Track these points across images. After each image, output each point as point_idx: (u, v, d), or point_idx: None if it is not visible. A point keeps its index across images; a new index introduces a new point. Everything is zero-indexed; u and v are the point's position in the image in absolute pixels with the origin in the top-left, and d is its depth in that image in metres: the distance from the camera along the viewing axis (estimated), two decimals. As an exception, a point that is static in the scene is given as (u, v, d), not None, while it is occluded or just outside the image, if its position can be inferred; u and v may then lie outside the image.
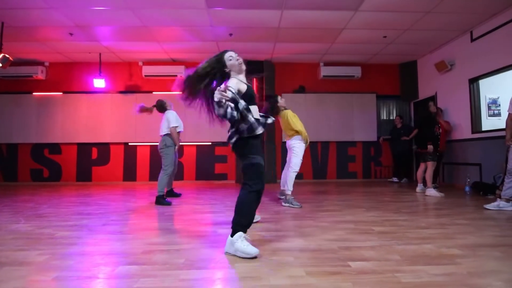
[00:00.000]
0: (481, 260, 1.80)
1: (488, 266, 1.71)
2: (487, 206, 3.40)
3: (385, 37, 5.59)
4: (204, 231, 2.51)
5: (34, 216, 3.12)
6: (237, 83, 1.98)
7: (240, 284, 1.46)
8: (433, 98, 6.25)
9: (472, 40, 5.25)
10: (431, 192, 4.44)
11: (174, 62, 6.88)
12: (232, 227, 1.91)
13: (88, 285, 1.47)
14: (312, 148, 7.01)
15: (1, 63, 4.98)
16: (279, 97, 3.91)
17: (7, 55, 5.02)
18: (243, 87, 2.01)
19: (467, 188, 4.82)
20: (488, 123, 5.27)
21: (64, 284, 1.49)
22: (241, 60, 2.07)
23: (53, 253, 1.94)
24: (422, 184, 4.85)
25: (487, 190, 4.43)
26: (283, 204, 3.68)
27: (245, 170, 1.95)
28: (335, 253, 1.89)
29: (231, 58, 2.06)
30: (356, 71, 6.88)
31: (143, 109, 4.16)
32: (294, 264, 1.72)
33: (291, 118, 3.78)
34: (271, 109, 3.75)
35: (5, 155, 6.79)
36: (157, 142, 4.20)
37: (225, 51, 2.11)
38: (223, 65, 2.05)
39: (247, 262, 1.76)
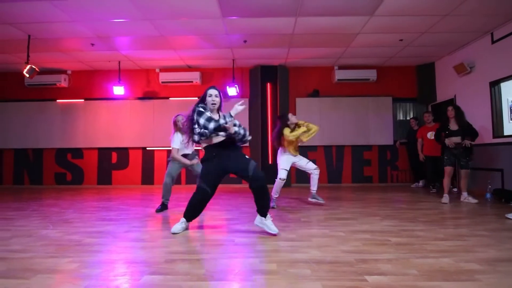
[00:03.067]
0: (500, 276, 1.78)
1: (507, 282, 1.69)
2: (509, 215, 3.32)
3: (401, 40, 5.52)
4: (221, 240, 2.59)
5: (61, 222, 3.29)
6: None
7: (259, 298, 1.52)
8: (452, 101, 6.11)
9: (493, 42, 5.11)
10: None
11: (189, 68, 7.03)
12: (267, 211, 2.66)
13: (116, 295, 1.56)
14: (327, 152, 7.01)
15: (29, 74, 5.26)
16: (289, 115, 4.18)
17: (33, 66, 5.30)
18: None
19: (488, 195, 4.70)
20: (511, 127, 5.10)
21: (95, 293, 1.59)
22: (213, 101, 2.74)
23: (82, 261, 2.06)
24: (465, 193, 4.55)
25: (509, 197, 4.30)
26: (310, 199, 4.25)
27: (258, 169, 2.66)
28: (352, 266, 1.92)
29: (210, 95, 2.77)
30: (371, 74, 6.81)
31: None
32: (311, 277, 1.75)
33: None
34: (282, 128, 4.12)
35: (31, 160, 7.14)
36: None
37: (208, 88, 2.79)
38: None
39: (266, 274, 1.81)
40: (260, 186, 2.60)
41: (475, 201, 4.36)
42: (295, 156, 4.18)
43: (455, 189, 5.44)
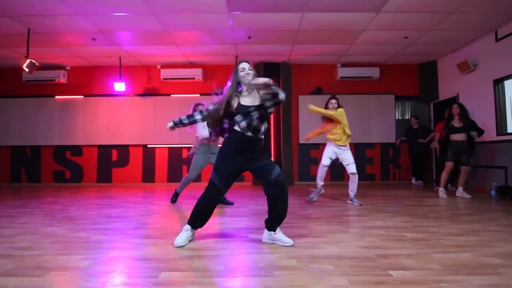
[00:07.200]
0: (525, 270, 1.76)
1: (534, 277, 1.67)
2: (518, 211, 3.33)
3: (406, 37, 5.51)
4: (234, 236, 2.53)
5: (66, 219, 3.20)
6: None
7: (286, 293, 1.47)
8: (454, 99, 6.13)
9: (497, 40, 5.12)
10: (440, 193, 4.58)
11: (191, 65, 6.95)
12: (278, 224, 2.28)
13: (137, 292, 1.50)
14: (329, 150, 6.97)
15: (28, 69, 5.14)
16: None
17: (33, 61, 5.18)
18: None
19: (492, 192, 4.71)
20: (514, 125, 5.13)
21: (114, 290, 1.53)
22: (247, 73, 2.28)
23: (94, 258, 1.99)
24: (461, 188, 4.66)
25: (514, 194, 4.32)
26: (348, 201, 4.09)
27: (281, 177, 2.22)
28: (374, 262, 1.88)
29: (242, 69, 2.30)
30: (374, 72, 6.80)
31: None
32: (335, 272, 1.71)
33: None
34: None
35: (29, 157, 7.00)
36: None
37: (239, 62, 2.35)
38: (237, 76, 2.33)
39: (287, 270, 1.77)
40: (278, 193, 2.19)
41: (468, 196, 4.49)
42: (339, 148, 4.05)
43: (453, 188, 5.42)
